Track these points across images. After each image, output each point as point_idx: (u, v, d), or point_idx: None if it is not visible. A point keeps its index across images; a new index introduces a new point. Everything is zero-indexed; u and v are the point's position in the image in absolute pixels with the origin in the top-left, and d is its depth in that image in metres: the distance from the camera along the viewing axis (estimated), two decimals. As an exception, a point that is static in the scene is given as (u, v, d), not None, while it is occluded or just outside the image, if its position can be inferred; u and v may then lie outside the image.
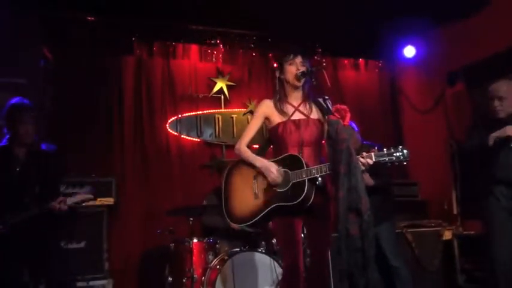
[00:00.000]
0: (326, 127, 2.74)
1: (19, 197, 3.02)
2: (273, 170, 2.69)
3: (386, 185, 3.95)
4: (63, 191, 4.24)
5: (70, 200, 2.91)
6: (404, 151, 2.57)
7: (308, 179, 2.60)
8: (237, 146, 2.91)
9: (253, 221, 2.73)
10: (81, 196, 2.91)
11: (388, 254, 3.83)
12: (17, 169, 3.04)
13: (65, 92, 4.88)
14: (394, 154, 2.58)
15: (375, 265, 2.43)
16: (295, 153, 2.71)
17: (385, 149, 2.61)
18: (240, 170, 2.90)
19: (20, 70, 4.45)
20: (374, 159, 2.59)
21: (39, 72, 4.67)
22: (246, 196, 2.80)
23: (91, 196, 2.92)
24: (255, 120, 2.91)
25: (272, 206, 2.69)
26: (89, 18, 5.08)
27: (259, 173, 2.77)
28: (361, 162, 2.57)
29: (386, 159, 2.58)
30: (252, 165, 2.81)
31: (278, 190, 2.68)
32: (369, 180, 3.60)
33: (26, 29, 4.63)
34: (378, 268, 2.91)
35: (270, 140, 2.94)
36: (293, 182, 2.64)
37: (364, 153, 2.61)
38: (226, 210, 2.87)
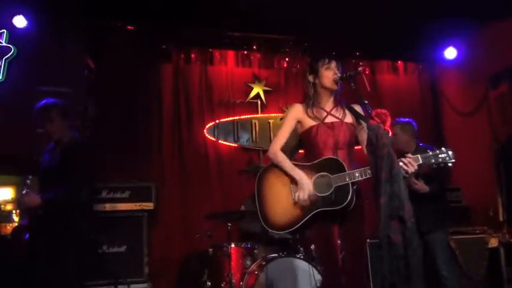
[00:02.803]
0: (360, 131, 2.72)
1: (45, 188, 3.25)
2: (306, 192, 2.62)
3: (440, 191, 3.79)
4: (103, 196, 4.43)
5: None
6: (449, 152, 2.55)
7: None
8: (272, 150, 2.81)
9: (295, 227, 2.66)
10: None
11: (439, 263, 3.69)
12: (44, 164, 3.29)
13: (107, 100, 5.03)
14: (440, 155, 2.55)
15: (421, 277, 2.33)
16: (334, 156, 2.66)
17: (429, 151, 2.56)
18: (274, 174, 2.82)
19: (66, 79, 4.63)
20: (421, 161, 2.54)
21: (83, 81, 4.84)
22: (284, 202, 2.74)
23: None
24: (288, 123, 2.84)
25: (315, 211, 2.63)
26: (128, 27, 5.21)
27: None
28: (404, 163, 2.49)
29: (433, 160, 2.54)
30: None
31: (320, 195, 2.63)
32: (423, 187, 3.50)
33: (71, 40, 4.84)
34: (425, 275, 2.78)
35: (301, 144, 2.88)
36: (336, 185, 2.60)
37: (410, 155, 2.55)
38: (263, 217, 2.78)
